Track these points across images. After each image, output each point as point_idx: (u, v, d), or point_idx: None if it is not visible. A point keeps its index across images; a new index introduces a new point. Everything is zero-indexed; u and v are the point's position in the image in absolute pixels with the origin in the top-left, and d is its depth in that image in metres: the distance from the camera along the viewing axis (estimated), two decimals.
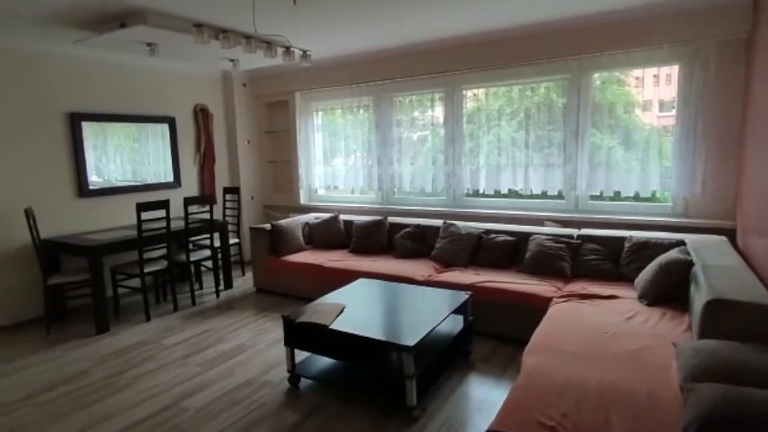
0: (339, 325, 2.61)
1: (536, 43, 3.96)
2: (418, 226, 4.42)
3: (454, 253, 3.98)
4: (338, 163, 5.43)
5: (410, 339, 2.38)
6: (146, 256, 4.05)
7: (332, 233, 4.84)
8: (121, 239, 3.90)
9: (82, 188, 4.32)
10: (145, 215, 3.88)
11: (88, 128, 4.35)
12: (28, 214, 3.65)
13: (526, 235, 3.84)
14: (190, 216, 4.32)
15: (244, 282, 5.08)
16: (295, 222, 4.85)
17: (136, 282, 4.21)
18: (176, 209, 4.68)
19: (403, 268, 3.88)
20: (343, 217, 4.98)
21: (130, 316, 4.12)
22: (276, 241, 4.58)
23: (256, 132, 5.93)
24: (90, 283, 3.72)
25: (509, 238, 3.90)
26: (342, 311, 2.81)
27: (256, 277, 4.77)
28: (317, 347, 2.70)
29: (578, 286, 3.20)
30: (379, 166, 5.07)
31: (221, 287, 4.82)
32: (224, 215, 5.39)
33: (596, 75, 3.91)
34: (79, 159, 4.27)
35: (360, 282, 3.46)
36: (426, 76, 4.59)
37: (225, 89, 5.64)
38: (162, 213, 4.05)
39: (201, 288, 4.90)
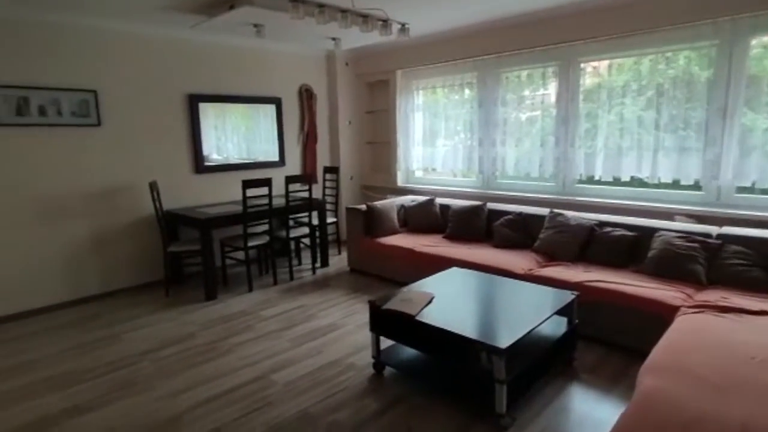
0: (426, 316, 2.47)
1: (675, 2, 3.33)
2: (520, 213, 4.07)
3: (561, 245, 3.60)
4: (437, 144, 5.22)
5: (504, 340, 2.15)
6: (251, 230, 4.27)
7: (427, 217, 4.69)
8: (227, 214, 4.15)
9: (199, 165, 4.67)
10: (249, 192, 4.07)
11: (209, 109, 4.68)
12: (153, 187, 4.02)
13: (650, 231, 3.32)
14: (291, 194, 4.46)
15: (339, 261, 5.17)
16: (390, 204, 4.78)
17: (241, 254, 4.47)
18: (279, 187, 4.87)
19: (501, 258, 3.60)
20: (439, 200, 4.79)
21: (235, 286, 4.41)
22: (370, 222, 4.55)
23: (356, 112, 5.94)
24: (201, 253, 4.02)
25: (628, 233, 3.40)
26: (431, 301, 2.66)
27: (350, 257, 4.81)
28: (402, 336, 2.59)
29: (716, 296, 2.67)
30: (481, 148, 4.76)
31: (317, 264, 4.95)
32: (324, 194, 5.50)
33: (754, 41, 3.19)
34: (196, 137, 4.62)
35: (453, 271, 3.27)
36: (539, 48, 4.15)
37: (329, 69, 5.70)
38: (265, 190, 4.23)
39: (299, 264, 5.09)
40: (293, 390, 2.60)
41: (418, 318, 2.45)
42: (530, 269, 3.41)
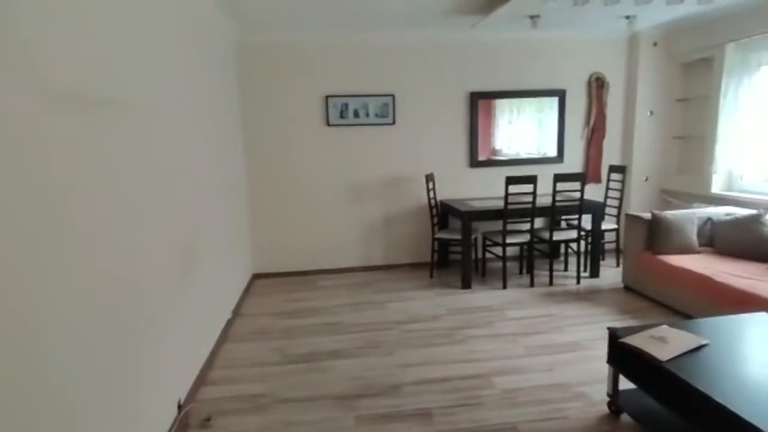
0: (683, 367, 1.88)
1: None
2: None
3: None
4: None
5: None
6: (513, 228, 4.21)
7: (747, 237, 3.50)
8: (489, 208, 4.20)
9: (473, 159, 4.89)
10: (513, 189, 4.00)
11: (499, 105, 4.86)
12: (428, 179, 4.48)
13: None
14: (560, 193, 4.13)
15: (614, 274, 4.48)
16: (689, 215, 3.79)
17: (501, 249, 4.47)
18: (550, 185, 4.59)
19: None
20: None
21: (491, 280, 4.45)
22: (655, 235, 3.75)
23: (662, 100, 4.91)
24: (461, 243, 4.24)
25: None
26: (699, 348, 2.01)
27: (625, 273, 4.10)
28: (646, 382, 2.06)
29: None
30: None
31: (585, 274, 4.44)
32: (606, 196, 4.85)
33: None
34: (473, 133, 4.84)
35: (759, 317, 2.36)
36: None
37: (630, 53, 4.91)
38: (530, 188, 4.06)
39: (566, 269, 4.68)
40: (509, 399, 2.47)
41: (666, 366, 1.89)
42: None
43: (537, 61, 4.85)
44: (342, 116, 4.62)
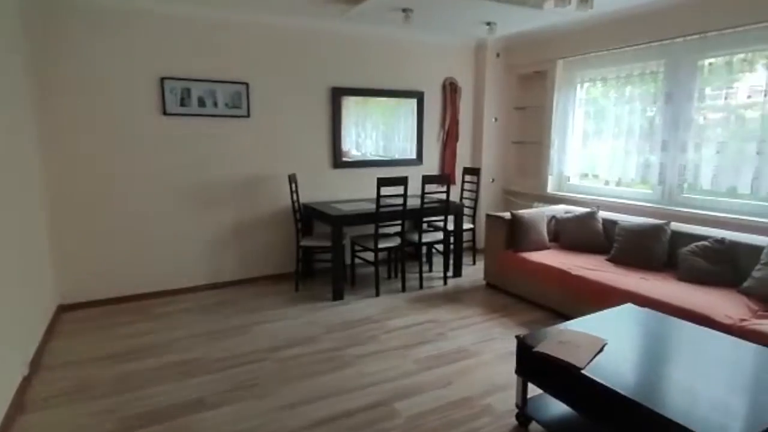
0: (600, 372, 1.86)
1: None
2: (721, 240, 3.12)
3: None
4: (603, 147, 4.37)
5: None
6: (381, 231, 4.01)
7: (586, 233, 3.93)
8: (360, 212, 3.93)
9: (337, 159, 4.56)
10: (384, 191, 3.80)
11: (350, 104, 4.54)
12: (291, 180, 3.99)
13: None
14: (427, 195, 4.09)
15: (473, 272, 4.67)
16: (539, 214, 4.12)
17: (371, 254, 4.24)
18: (413, 187, 4.53)
19: (695, 298, 2.75)
20: (602, 214, 3.99)
21: (362, 288, 4.19)
22: (515, 234, 3.96)
23: (504, 108, 5.33)
24: (332, 250, 3.87)
25: None
26: (602, 349, 2.04)
27: (487, 271, 4.27)
28: (558, 389, 2.01)
29: None
30: (663, 153, 3.83)
31: (450, 274, 4.51)
32: (461, 197, 5.04)
33: None
34: (336, 132, 4.51)
35: (628, 309, 2.55)
36: (762, 25, 3.12)
37: (477, 60, 5.20)
38: (400, 189, 3.92)
39: (430, 270, 4.71)
40: (419, 428, 2.20)
41: (586, 373, 1.85)
42: (741, 319, 2.52)
43: (400, 61, 4.76)
44: (183, 104, 3.80)
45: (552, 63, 4.73)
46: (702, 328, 2.30)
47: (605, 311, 2.52)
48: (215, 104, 3.91)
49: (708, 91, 3.57)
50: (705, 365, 1.98)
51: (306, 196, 4.41)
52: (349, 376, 2.68)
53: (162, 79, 3.70)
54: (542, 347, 2.04)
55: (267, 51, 4.09)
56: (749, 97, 3.34)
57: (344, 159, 4.61)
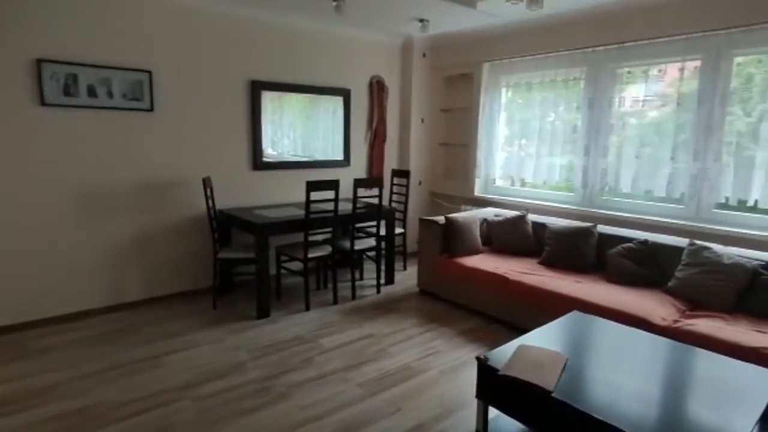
0: (568, 393, 1.75)
1: None
2: (645, 242, 3.26)
3: (711, 290, 2.77)
4: (528, 151, 4.45)
5: None
6: (311, 239, 3.69)
7: (517, 236, 3.94)
8: (287, 219, 3.58)
9: (257, 161, 4.13)
10: (314, 195, 3.48)
11: (267, 100, 4.13)
12: (206, 184, 3.51)
13: None
14: (361, 200, 3.84)
15: (405, 278, 4.51)
16: (472, 218, 4.07)
17: (299, 264, 3.90)
18: (342, 191, 4.26)
19: (628, 300, 2.82)
20: (531, 217, 4.04)
21: (290, 301, 3.83)
22: (450, 238, 3.86)
23: (431, 110, 5.26)
24: (255, 262, 3.47)
25: None
26: (565, 366, 1.94)
27: (421, 277, 4.13)
28: (525, 414, 1.88)
29: None
30: (586, 157, 3.96)
31: (382, 282, 4.31)
32: (390, 200, 4.86)
33: None
34: (256, 130, 4.08)
35: (575, 317, 2.52)
36: (680, 37, 3.32)
37: (403, 60, 5.05)
38: (331, 194, 3.63)
39: (362, 278, 4.46)
40: None
41: (557, 396, 1.73)
42: (674, 320, 2.61)
43: (326, 56, 4.44)
44: (68, 93, 3.15)
45: (478, 66, 4.72)
46: (650, 334, 2.31)
47: (555, 321, 2.45)
48: (110, 95, 3.30)
49: (626, 97, 3.75)
50: (668, 377, 1.96)
51: (223, 202, 3.93)
52: (286, 411, 2.35)
53: (39, 61, 3.02)
54: (510, 371, 1.89)
55: (176, 35, 3.55)
56: (663, 105, 3.55)
57: (265, 160, 4.19)
